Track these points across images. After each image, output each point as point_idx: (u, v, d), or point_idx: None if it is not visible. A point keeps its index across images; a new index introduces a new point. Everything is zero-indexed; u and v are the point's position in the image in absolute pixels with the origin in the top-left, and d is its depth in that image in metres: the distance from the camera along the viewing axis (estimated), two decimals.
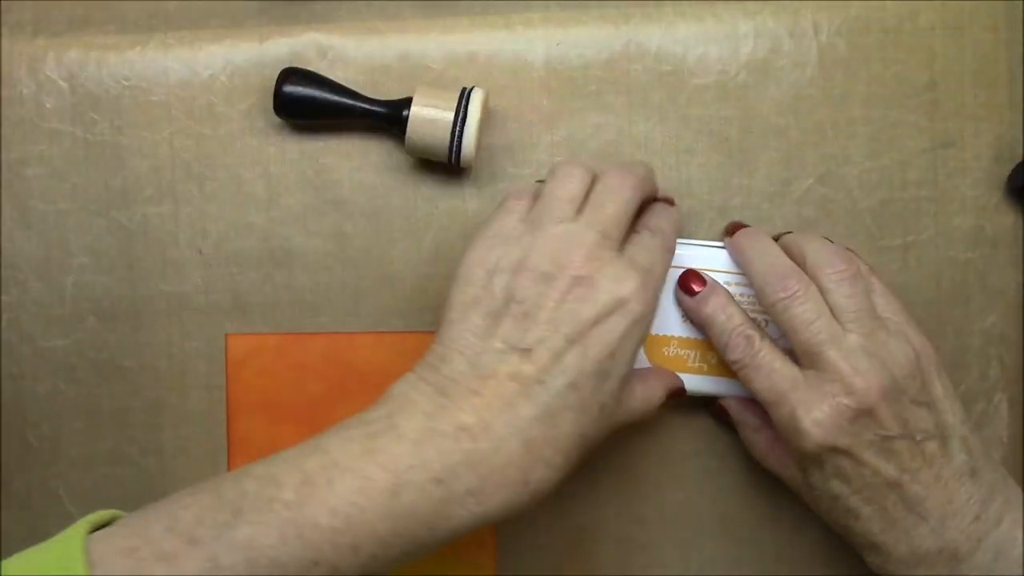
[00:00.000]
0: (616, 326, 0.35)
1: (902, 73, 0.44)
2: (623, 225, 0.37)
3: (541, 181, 0.39)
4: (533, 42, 0.44)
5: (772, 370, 0.38)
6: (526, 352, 0.34)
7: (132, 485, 0.44)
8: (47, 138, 0.44)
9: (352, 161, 0.44)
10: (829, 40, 0.44)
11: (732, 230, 0.42)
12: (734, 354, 0.39)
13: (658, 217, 0.39)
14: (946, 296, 0.44)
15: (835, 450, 0.36)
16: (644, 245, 0.37)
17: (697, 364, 0.42)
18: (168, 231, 0.44)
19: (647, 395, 0.39)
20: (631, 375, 0.37)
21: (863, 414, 0.36)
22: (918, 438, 0.37)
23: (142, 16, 0.44)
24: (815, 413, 0.36)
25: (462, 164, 0.42)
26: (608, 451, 0.44)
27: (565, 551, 0.45)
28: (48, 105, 0.44)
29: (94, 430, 0.44)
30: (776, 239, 0.41)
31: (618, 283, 0.35)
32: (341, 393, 0.44)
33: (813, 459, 0.37)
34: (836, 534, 0.40)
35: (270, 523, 0.31)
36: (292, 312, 0.44)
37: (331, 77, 0.43)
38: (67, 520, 0.45)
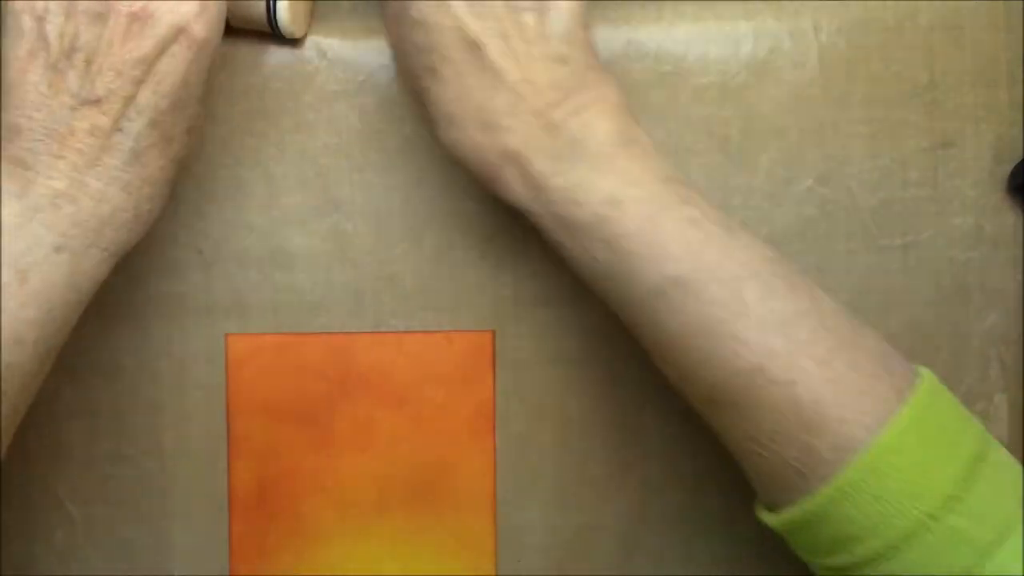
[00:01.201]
0: (181, 56, 0.34)
1: (902, 73, 0.44)
2: None
3: None
4: None
5: None
6: (97, 103, 0.33)
7: (132, 485, 0.44)
8: None
9: (352, 161, 0.44)
10: (829, 40, 0.44)
11: None
12: None
13: None
14: (946, 296, 0.44)
15: None
16: None
17: None
18: (168, 231, 0.44)
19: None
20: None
21: None
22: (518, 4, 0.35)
23: None
24: None
25: (283, 31, 0.41)
26: (608, 451, 0.44)
27: (565, 551, 0.45)
28: None
29: (94, 430, 0.44)
30: None
31: (173, 11, 0.34)
32: (341, 393, 0.44)
33: None
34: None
35: None
36: (292, 312, 0.44)
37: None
38: (67, 520, 0.45)
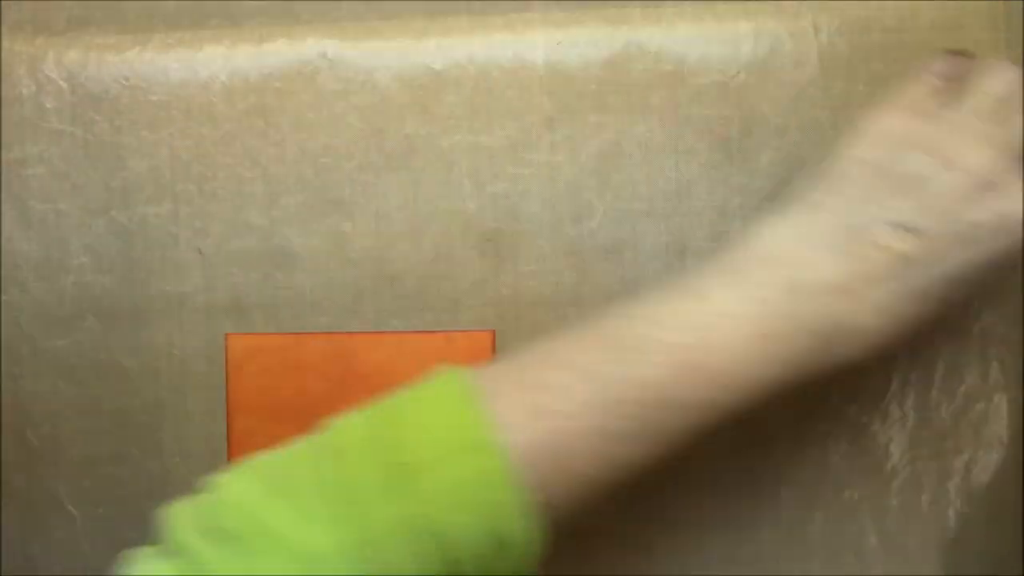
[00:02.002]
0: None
1: (902, 73, 0.44)
2: None
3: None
4: (533, 42, 0.44)
5: None
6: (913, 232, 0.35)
7: (132, 485, 0.44)
8: (47, 138, 0.44)
9: (352, 161, 0.44)
10: (829, 40, 0.44)
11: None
12: None
13: None
14: None
15: None
16: None
17: None
18: (168, 231, 0.44)
19: None
20: None
21: None
22: None
23: (142, 16, 0.44)
24: None
25: None
26: None
27: (565, 551, 0.45)
28: (48, 105, 0.44)
29: (94, 430, 0.44)
30: None
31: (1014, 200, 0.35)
32: (341, 393, 0.44)
33: None
34: None
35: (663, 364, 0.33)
36: (292, 312, 0.44)
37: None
38: (67, 520, 0.45)
